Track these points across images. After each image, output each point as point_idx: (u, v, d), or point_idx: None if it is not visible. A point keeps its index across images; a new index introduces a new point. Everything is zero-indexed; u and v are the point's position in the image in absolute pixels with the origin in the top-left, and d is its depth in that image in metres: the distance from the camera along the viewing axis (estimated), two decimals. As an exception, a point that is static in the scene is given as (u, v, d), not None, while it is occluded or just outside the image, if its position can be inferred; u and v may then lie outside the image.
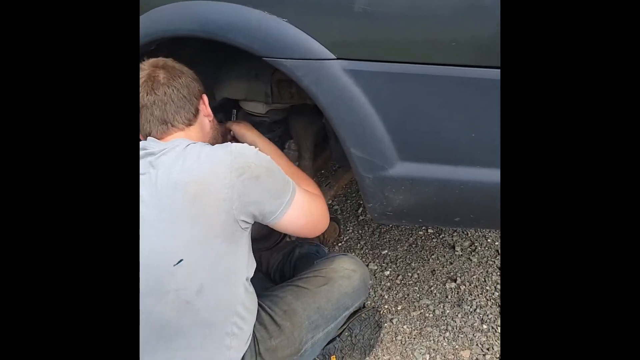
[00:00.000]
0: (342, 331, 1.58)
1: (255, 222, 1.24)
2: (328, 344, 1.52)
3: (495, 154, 1.19)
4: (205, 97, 1.36)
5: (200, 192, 1.13)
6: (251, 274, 1.29)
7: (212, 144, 1.27)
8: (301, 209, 1.26)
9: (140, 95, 1.25)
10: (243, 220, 1.18)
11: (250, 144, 1.30)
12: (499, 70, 1.09)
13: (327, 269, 1.47)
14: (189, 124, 1.30)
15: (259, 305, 1.37)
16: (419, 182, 1.24)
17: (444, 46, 1.10)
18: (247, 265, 1.27)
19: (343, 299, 1.44)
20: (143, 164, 1.19)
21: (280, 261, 1.84)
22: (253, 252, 1.44)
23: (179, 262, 1.14)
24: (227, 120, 1.70)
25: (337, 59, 1.16)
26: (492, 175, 1.20)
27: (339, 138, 1.24)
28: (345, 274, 1.46)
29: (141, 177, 1.16)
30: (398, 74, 1.15)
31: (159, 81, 1.27)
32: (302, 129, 1.75)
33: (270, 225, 1.26)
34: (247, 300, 1.27)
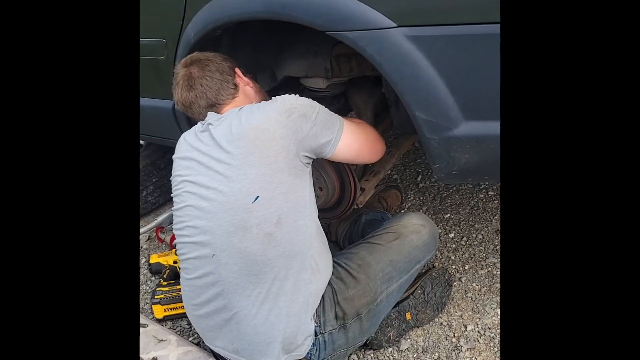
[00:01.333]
0: (415, 289, 1.65)
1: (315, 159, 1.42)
2: (402, 301, 1.60)
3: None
4: (238, 70, 1.55)
5: (259, 135, 1.30)
6: (316, 215, 1.43)
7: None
8: (353, 134, 1.43)
9: (185, 94, 1.49)
10: (304, 155, 1.35)
11: None
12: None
13: (397, 225, 1.56)
14: (233, 97, 1.51)
15: (335, 262, 1.47)
16: (483, 140, 1.28)
17: (497, 5, 1.13)
18: (313, 204, 1.41)
19: (414, 252, 1.52)
20: (207, 132, 1.40)
21: (348, 229, 1.93)
22: (322, 221, 1.53)
23: (256, 199, 1.29)
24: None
25: (398, 26, 1.21)
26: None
27: (404, 103, 1.30)
28: (414, 229, 1.54)
29: (207, 141, 1.39)
30: (457, 36, 1.18)
31: (193, 77, 1.47)
32: (361, 100, 1.81)
33: (330, 158, 1.42)
34: (320, 238, 1.42)
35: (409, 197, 2.33)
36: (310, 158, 1.39)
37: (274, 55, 1.78)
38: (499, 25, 1.15)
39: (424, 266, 1.85)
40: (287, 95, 1.38)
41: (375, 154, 1.56)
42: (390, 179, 2.49)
